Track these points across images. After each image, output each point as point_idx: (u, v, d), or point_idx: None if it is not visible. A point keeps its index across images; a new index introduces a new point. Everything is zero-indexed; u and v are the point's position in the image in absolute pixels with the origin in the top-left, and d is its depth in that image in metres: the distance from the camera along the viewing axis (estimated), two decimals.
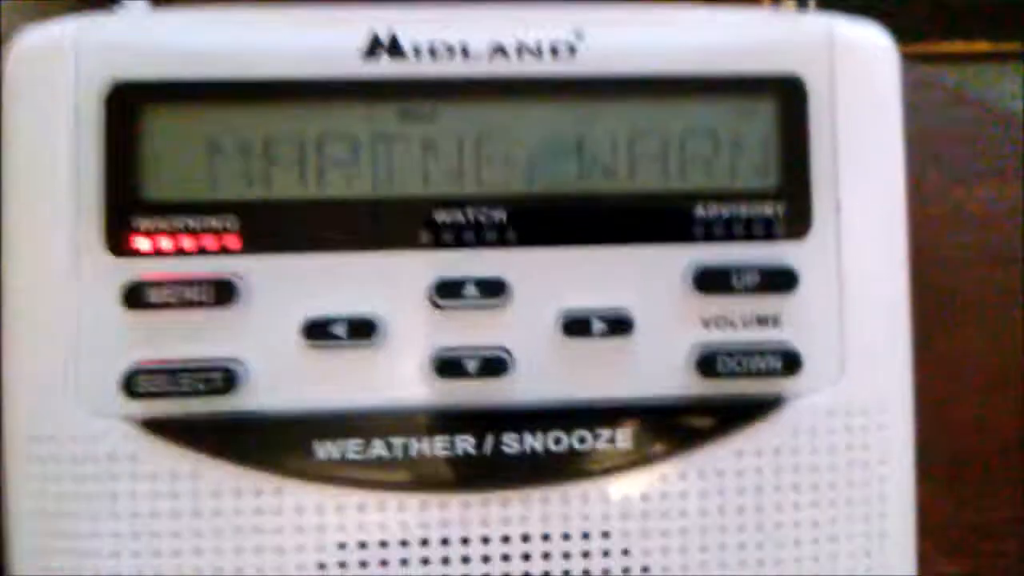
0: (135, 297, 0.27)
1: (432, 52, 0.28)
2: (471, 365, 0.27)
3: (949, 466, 0.36)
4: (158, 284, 0.27)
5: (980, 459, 0.38)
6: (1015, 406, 0.37)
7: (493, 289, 0.28)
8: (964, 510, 0.36)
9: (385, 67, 0.28)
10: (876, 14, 0.30)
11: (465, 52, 0.28)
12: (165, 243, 0.27)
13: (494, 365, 0.28)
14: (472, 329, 0.28)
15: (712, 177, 0.28)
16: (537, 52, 0.28)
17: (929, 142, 0.37)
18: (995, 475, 0.37)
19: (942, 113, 0.42)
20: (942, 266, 0.38)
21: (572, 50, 0.28)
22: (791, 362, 0.28)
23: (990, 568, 0.36)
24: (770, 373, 0.28)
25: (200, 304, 0.27)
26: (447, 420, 0.28)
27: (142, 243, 0.27)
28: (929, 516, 0.30)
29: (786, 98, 0.28)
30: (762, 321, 0.28)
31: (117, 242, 0.27)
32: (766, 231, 0.28)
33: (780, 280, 0.28)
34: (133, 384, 0.27)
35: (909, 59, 0.30)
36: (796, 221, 0.28)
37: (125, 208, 0.27)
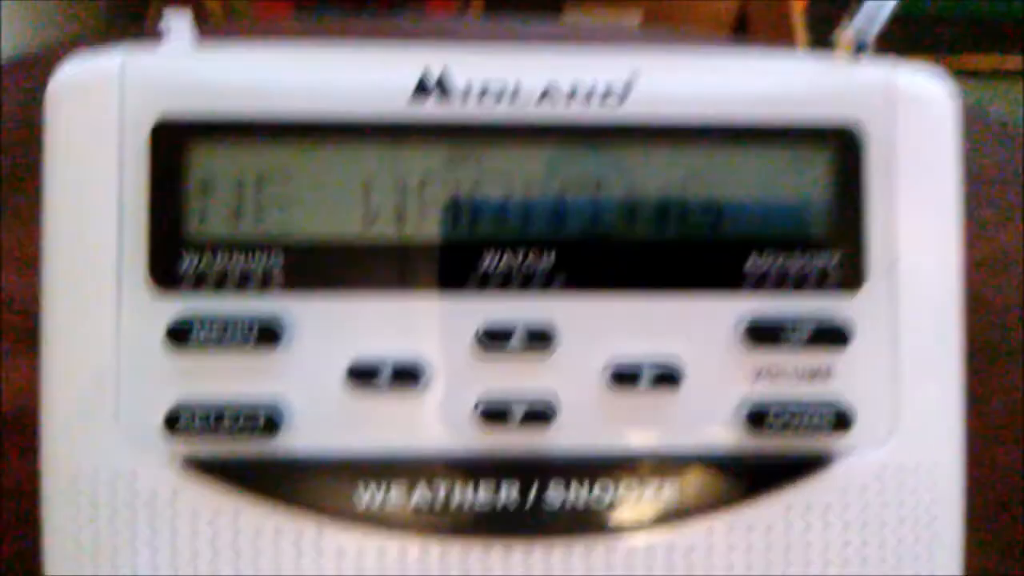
0: (179, 335, 0.27)
1: (481, 93, 0.28)
2: (516, 412, 0.27)
3: (994, 515, 0.36)
4: (202, 323, 0.27)
5: (1004, 509, 0.37)
6: None
7: (541, 336, 0.27)
8: (1007, 560, 0.36)
9: (432, 108, 0.27)
10: (903, 31, 0.29)
11: (515, 95, 0.28)
12: (210, 280, 0.27)
13: (540, 413, 0.27)
14: (518, 376, 0.28)
15: (766, 227, 0.28)
16: (587, 97, 0.28)
17: (976, 180, 0.36)
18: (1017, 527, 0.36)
19: (989, 150, 0.41)
20: (987, 311, 0.37)
21: (623, 96, 0.28)
22: (842, 419, 0.27)
23: None
24: (821, 429, 0.27)
25: (244, 345, 0.27)
26: (491, 468, 0.27)
27: (187, 280, 0.27)
28: (971, 566, 0.29)
29: (843, 148, 0.28)
30: (813, 375, 0.28)
31: (161, 278, 0.27)
32: (820, 283, 0.28)
33: (833, 334, 0.27)
34: (176, 422, 0.27)
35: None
36: (851, 274, 0.28)
37: (170, 244, 0.27)
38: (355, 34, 0.31)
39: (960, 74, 0.29)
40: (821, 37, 0.30)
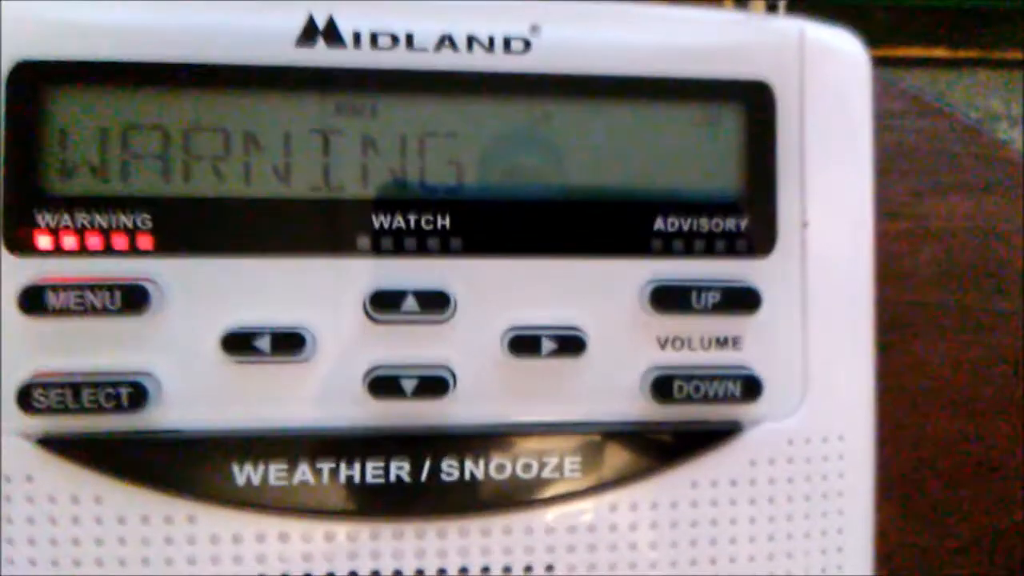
0: (34, 301, 0.24)
1: (374, 41, 0.25)
2: (409, 384, 0.25)
3: (902, 487, 0.35)
4: (60, 287, 0.24)
5: (935, 480, 0.37)
6: (973, 426, 0.36)
7: (435, 302, 0.25)
8: (926, 533, 0.35)
9: (321, 55, 0.25)
10: (837, 19, 0.28)
11: (410, 42, 0.26)
12: (69, 241, 0.25)
13: (434, 384, 0.25)
14: (411, 345, 0.26)
15: (673, 188, 0.26)
16: (489, 46, 0.26)
17: (891, 153, 0.36)
18: (958, 496, 0.36)
19: (904, 124, 0.40)
20: (902, 282, 0.37)
21: (527, 45, 0.26)
22: (751, 387, 0.26)
23: None
24: (729, 399, 0.26)
25: (107, 311, 0.24)
26: (381, 443, 0.25)
27: (43, 240, 0.25)
28: (887, 538, 0.29)
29: (753, 103, 0.27)
30: (722, 343, 0.27)
31: (15, 239, 0.24)
32: (729, 247, 0.27)
33: (742, 300, 0.26)
34: (30, 398, 0.24)
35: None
36: (761, 237, 0.27)
37: (25, 201, 0.24)
38: None
39: (889, 61, 0.28)
40: None
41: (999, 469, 0.36)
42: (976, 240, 0.38)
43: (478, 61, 0.26)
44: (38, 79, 0.25)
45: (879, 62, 0.29)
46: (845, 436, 0.27)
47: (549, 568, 0.26)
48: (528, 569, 0.26)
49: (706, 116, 0.26)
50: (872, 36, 0.29)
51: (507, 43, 0.26)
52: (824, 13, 0.28)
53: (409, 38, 0.26)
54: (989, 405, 0.37)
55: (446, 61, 0.26)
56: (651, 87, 0.26)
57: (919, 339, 0.37)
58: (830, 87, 0.27)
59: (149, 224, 0.25)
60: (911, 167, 0.39)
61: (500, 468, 0.26)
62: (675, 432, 0.26)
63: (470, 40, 0.26)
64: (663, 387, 0.26)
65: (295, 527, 0.25)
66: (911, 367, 0.36)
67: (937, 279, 0.38)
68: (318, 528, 0.25)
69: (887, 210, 0.28)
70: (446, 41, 0.26)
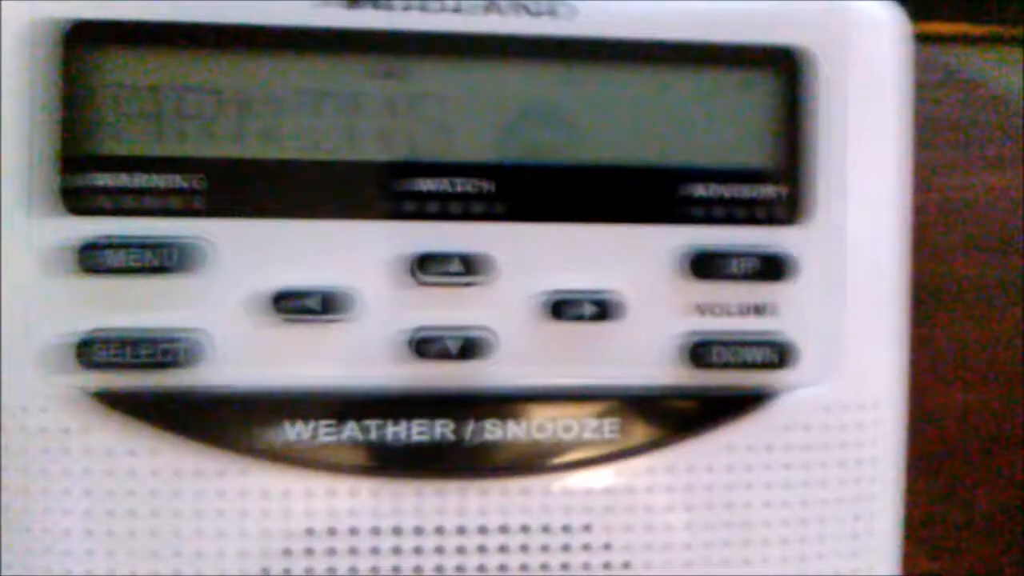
0: (91, 260, 0.25)
1: (422, 5, 0.26)
2: (453, 345, 0.26)
3: (931, 459, 0.35)
4: (117, 246, 0.25)
5: (963, 453, 0.37)
6: (1003, 399, 0.37)
7: (478, 266, 0.26)
8: (946, 505, 0.36)
9: (369, 18, 0.26)
10: None
11: (457, 6, 0.26)
12: (127, 201, 0.25)
13: (476, 346, 0.26)
14: (454, 307, 0.26)
15: (711, 154, 0.27)
16: (535, 10, 0.26)
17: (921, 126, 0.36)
18: (979, 469, 0.36)
19: (935, 96, 0.41)
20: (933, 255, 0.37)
21: (573, 10, 0.26)
22: (787, 354, 0.27)
23: (972, 566, 0.35)
24: (765, 365, 0.27)
25: (163, 269, 0.25)
26: (425, 403, 0.26)
27: (101, 200, 0.25)
28: (910, 512, 0.29)
29: (791, 71, 0.27)
30: (758, 310, 0.27)
31: (73, 199, 0.25)
32: (766, 214, 0.27)
33: (779, 267, 0.27)
34: (87, 353, 0.25)
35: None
36: (798, 205, 0.27)
37: (83, 162, 0.25)
38: None
39: (924, 37, 0.29)
40: None
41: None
42: (1005, 212, 0.38)
43: (523, 25, 0.26)
44: (95, 40, 0.25)
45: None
46: (879, 404, 0.27)
47: (586, 528, 0.26)
48: (566, 528, 0.26)
49: (747, 82, 0.27)
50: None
51: (552, 8, 0.26)
52: None
53: (457, 2, 0.26)
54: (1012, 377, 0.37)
55: (493, 25, 0.26)
56: (694, 52, 0.27)
57: (945, 311, 0.37)
58: (872, 58, 0.27)
59: (204, 185, 0.26)
60: (943, 139, 0.40)
61: (541, 429, 0.26)
62: (712, 397, 0.27)
63: (516, 4, 0.26)
64: (700, 352, 0.27)
65: (342, 483, 0.26)
66: (937, 339, 0.37)
67: (966, 251, 0.38)
68: (364, 485, 0.26)
69: (917, 182, 0.28)
70: (493, 5, 0.26)
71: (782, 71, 0.27)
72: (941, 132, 0.38)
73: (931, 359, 0.37)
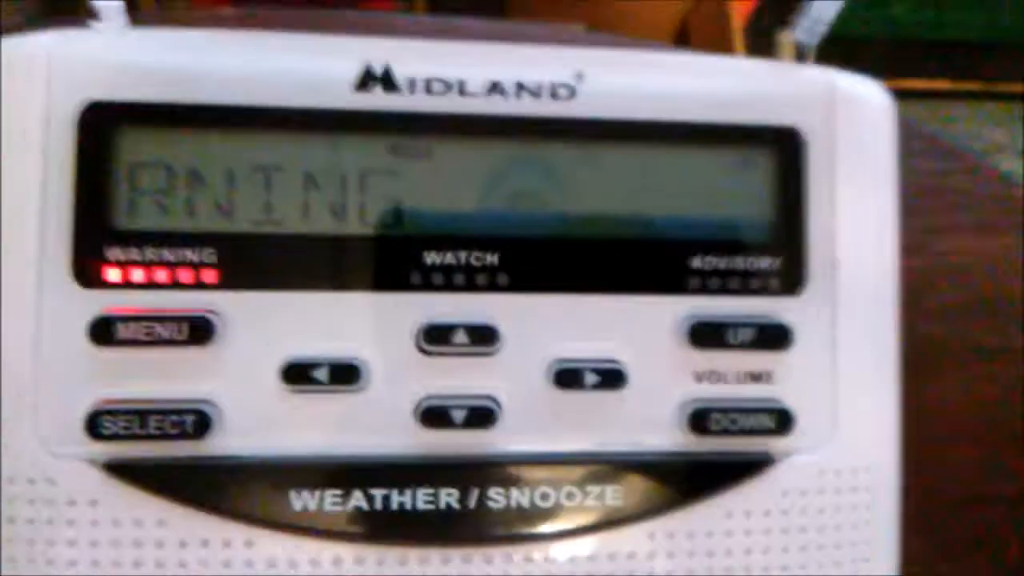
0: (103, 332, 0.25)
1: (427, 87, 0.27)
2: (458, 415, 0.26)
3: (922, 517, 0.36)
4: (128, 319, 0.25)
5: (953, 510, 0.38)
6: (991, 459, 0.38)
7: (483, 336, 0.27)
8: (956, 563, 0.36)
9: (378, 100, 0.27)
10: (839, 51, 0.29)
11: (462, 89, 0.27)
12: (137, 275, 0.26)
13: (481, 415, 0.27)
14: (459, 377, 0.27)
15: (709, 229, 0.28)
16: (536, 92, 0.27)
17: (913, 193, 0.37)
18: (967, 527, 0.37)
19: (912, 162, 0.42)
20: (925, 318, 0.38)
21: (572, 92, 0.27)
22: (784, 421, 0.27)
23: None
24: (762, 432, 0.27)
25: (173, 341, 0.26)
26: (431, 472, 0.26)
27: (112, 274, 0.26)
28: (919, 571, 0.30)
29: (784, 150, 0.28)
30: (755, 378, 0.28)
31: (85, 272, 0.26)
32: (763, 285, 0.28)
33: (775, 336, 0.28)
34: (97, 424, 0.25)
35: None
36: (793, 276, 0.28)
37: (95, 236, 0.26)
38: (296, 26, 0.30)
39: (892, 93, 0.30)
40: (759, 50, 0.30)
41: (1020, 502, 0.37)
42: (986, 275, 0.39)
43: (526, 106, 0.27)
44: (108, 119, 0.26)
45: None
46: (873, 468, 0.28)
47: None
48: None
49: (741, 160, 0.28)
50: (874, 68, 0.30)
51: (553, 90, 0.27)
52: (825, 45, 0.29)
53: (461, 84, 0.27)
54: (1003, 437, 0.38)
55: (496, 106, 0.27)
56: (689, 132, 0.28)
57: (934, 372, 0.38)
58: (858, 134, 0.28)
59: (214, 259, 0.26)
60: (926, 205, 0.41)
61: (544, 496, 0.27)
62: (711, 463, 0.27)
63: (519, 86, 0.27)
64: (700, 419, 0.27)
65: (347, 551, 0.26)
66: (927, 400, 0.38)
67: (949, 314, 0.39)
68: (370, 553, 0.26)
69: (904, 246, 0.29)
70: (496, 87, 0.27)
71: (775, 149, 0.28)
72: (931, 197, 0.40)
73: (925, 420, 0.37)
